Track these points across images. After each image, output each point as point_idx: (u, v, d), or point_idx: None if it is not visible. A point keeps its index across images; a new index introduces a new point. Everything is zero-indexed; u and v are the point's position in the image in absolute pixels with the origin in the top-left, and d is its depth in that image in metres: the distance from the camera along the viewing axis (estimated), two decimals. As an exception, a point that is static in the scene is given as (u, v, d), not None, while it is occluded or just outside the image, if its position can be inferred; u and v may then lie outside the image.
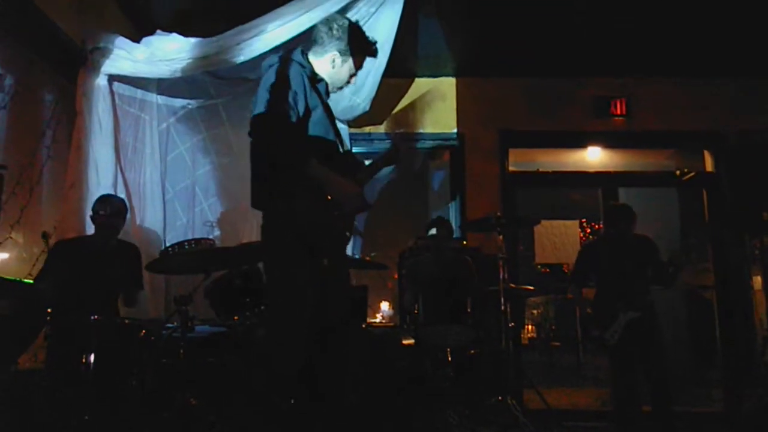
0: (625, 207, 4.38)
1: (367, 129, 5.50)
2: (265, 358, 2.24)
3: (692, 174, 5.66)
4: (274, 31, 3.93)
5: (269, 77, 2.27)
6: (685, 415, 4.44)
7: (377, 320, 5.57)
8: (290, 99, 2.21)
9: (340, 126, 5.05)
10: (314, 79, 2.41)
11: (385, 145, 5.66)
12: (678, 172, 5.75)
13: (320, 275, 2.29)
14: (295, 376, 2.21)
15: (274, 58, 2.39)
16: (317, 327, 2.24)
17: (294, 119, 2.21)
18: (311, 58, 2.47)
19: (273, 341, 2.26)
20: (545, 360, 8.49)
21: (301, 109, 2.25)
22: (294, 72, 2.28)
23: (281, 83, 2.23)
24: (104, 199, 3.73)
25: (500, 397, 3.89)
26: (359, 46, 2.50)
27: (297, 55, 2.40)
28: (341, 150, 2.48)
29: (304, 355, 2.20)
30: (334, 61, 2.46)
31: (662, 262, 4.06)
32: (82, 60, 4.15)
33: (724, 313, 5.35)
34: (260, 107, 2.20)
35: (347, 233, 2.48)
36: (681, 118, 5.52)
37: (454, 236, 4.84)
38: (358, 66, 2.55)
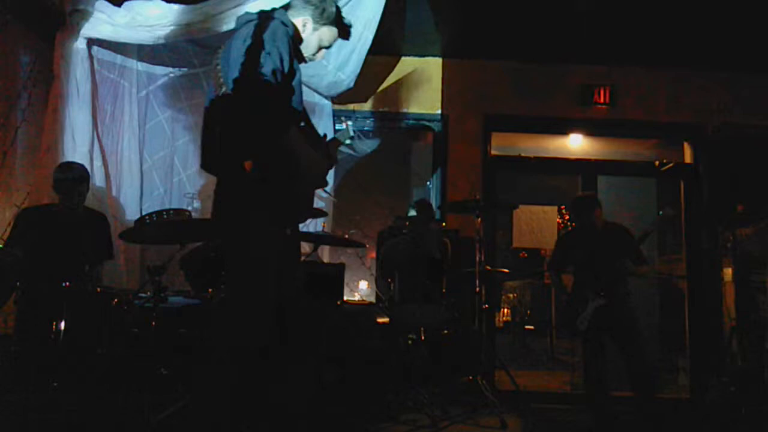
0: (585, 198, 4.30)
1: (351, 106, 5.47)
2: (228, 334, 2.11)
3: (671, 165, 5.72)
4: (257, 1, 3.87)
5: (250, 34, 2.14)
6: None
7: (355, 299, 5.59)
8: (277, 62, 2.10)
9: (324, 102, 5.02)
10: (296, 41, 2.33)
11: (369, 122, 5.65)
12: (657, 163, 5.80)
13: (281, 246, 2.22)
14: (259, 351, 2.13)
15: (254, 14, 2.27)
16: (276, 300, 2.16)
17: (281, 85, 2.13)
18: None
19: (238, 315, 2.14)
20: (519, 343, 8.60)
21: (286, 69, 2.15)
22: (281, 32, 2.17)
23: (267, 43, 2.11)
24: (65, 166, 3.68)
25: (471, 377, 3.94)
26: (333, 19, 2.40)
27: (282, 15, 2.29)
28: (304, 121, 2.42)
29: (269, 330, 2.11)
30: (305, 25, 2.36)
31: (637, 248, 4.01)
32: (60, 22, 4.05)
33: (694, 303, 5.45)
34: (242, 67, 2.08)
35: (308, 207, 2.41)
36: (663, 109, 5.57)
37: (435, 218, 4.85)
38: (328, 41, 2.44)
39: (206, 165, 2.32)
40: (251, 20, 2.23)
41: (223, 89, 2.19)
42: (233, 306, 2.19)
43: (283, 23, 2.24)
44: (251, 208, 2.14)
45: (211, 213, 2.32)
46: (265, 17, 2.23)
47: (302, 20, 2.37)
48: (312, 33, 2.39)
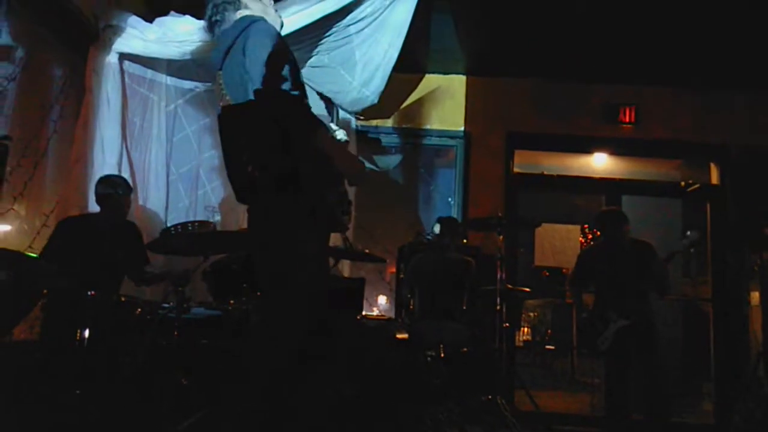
0: (612, 212, 4.31)
1: (374, 122, 5.51)
2: (268, 356, 2.07)
3: (697, 186, 5.65)
4: (285, 19, 3.92)
5: (263, 43, 2.09)
6: (675, 426, 4.44)
7: (374, 314, 5.58)
8: (295, 72, 2.10)
9: (347, 117, 5.07)
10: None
11: (392, 138, 5.69)
12: (683, 183, 5.74)
13: (323, 261, 2.23)
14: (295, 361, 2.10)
15: (239, 27, 2.20)
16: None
17: (300, 93, 2.14)
18: None
19: (279, 335, 2.09)
20: (539, 363, 8.50)
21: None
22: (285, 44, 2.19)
23: (281, 54, 2.10)
24: (118, 181, 3.75)
25: (490, 396, 3.90)
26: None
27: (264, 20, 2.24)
28: None
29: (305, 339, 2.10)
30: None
31: (659, 269, 3.97)
32: (93, 37, 4.15)
33: (720, 327, 5.35)
34: (259, 81, 2.04)
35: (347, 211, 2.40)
36: (689, 129, 5.51)
37: (462, 236, 4.84)
38: None
39: (245, 196, 2.25)
40: (262, 32, 2.16)
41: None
42: (275, 326, 2.12)
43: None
44: (298, 226, 2.11)
45: (250, 229, 2.27)
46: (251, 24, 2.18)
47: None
48: None
